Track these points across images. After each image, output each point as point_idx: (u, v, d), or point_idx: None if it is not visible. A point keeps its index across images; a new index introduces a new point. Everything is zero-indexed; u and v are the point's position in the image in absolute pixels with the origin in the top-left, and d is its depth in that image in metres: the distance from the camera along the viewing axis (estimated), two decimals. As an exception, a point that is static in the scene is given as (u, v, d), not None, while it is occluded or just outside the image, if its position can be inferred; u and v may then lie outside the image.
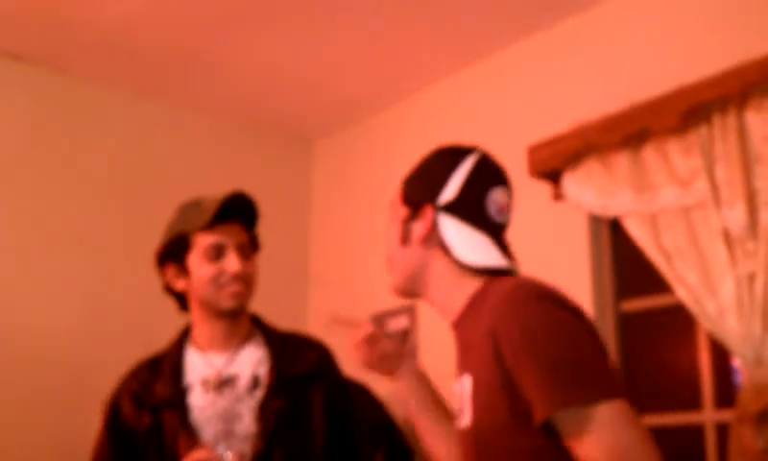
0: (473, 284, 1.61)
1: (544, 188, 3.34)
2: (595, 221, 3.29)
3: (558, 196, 3.29)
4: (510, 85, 3.71)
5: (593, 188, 3.14)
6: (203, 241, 2.17)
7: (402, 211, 1.69)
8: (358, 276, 4.23)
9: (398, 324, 3.95)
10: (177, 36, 3.66)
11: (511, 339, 1.41)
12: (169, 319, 3.97)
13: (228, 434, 2.08)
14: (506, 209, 1.67)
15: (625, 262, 3.28)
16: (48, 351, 3.63)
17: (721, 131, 2.81)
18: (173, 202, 4.04)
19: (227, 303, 2.16)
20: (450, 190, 1.62)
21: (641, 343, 3.25)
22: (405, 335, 3.89)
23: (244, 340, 2.22)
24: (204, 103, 4.26)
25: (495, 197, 1.65)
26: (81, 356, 3.71)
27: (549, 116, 3.37)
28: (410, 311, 3.88)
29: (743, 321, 2.67)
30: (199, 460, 1.94)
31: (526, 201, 3.51)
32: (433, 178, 1.66)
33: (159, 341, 3.98)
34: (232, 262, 2.14)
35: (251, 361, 2.19)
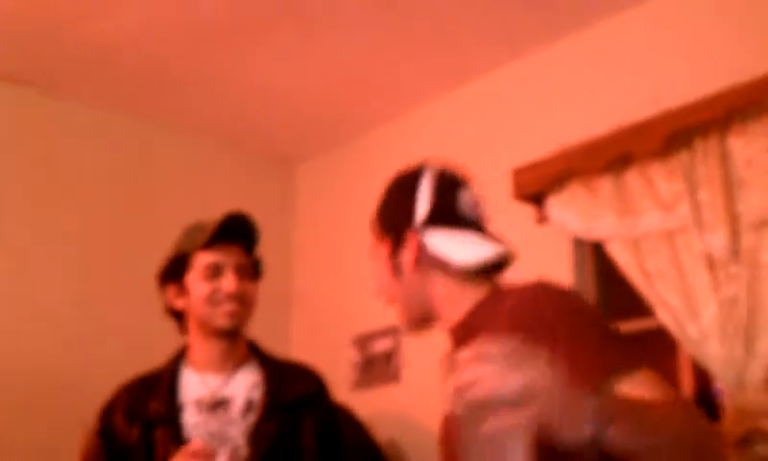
0: (476, 291, 1.60)
1: (528, 211, 3.34)
2: (579, 244, 3.30)
3: (542, 219, 3.30)
4: (494, 109, 3.73)
5: (577, 212, 3.15)
6: (201, 260, 2.19)
7: (384, 248, 1.68)
8: (342, 298, 4.22)
9: (382, 345, 3.94)
10: (161, 57, 3.66)
11: (547, 325, 1.41)
12: (154, 332, 3.96)
13: (218, 452, 2.06)
14: (479, 203, 1.68)
15: (608, 285, 3.29)
16: (33, 363, 3.61)
17: (703, 155, 2.83)
18: (158, 221, 4.08)
19: (222, 321, 2.17)
20: (422, 207, 1.62)
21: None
22: (388, 357, 3.89)
23: (240, 363, 2.23)
24: (189, 124, 4.26)
25: (464, 198, 1.66)
26: (66, 368, 3.69)
27: (533, 140, 3.39)
28: (393, 333, 3.87)
29: (725, 344, 2.68)
30: (193, 451, 1.93)
31: (510, 224, 3.51)
32: (401, 204, 1.66)
33: (145, 353, 3.96)
34: (228, 281, 2.16)
35: (245, 385, 2.19)
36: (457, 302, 1.61)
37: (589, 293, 3.29)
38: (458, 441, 1.14)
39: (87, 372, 3.69)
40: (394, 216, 1.68)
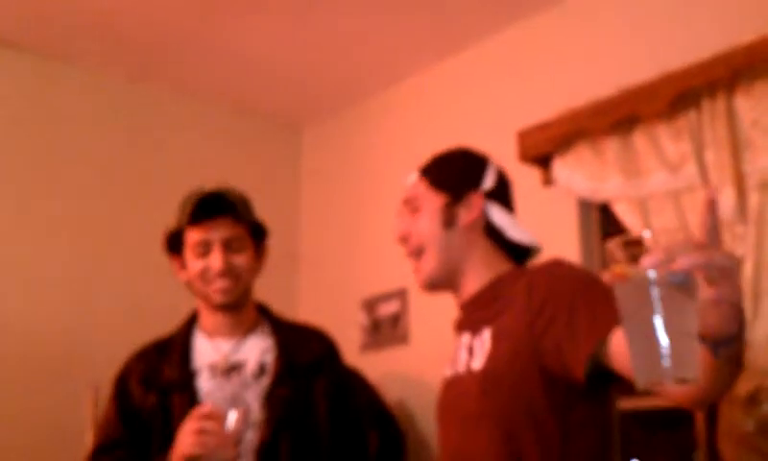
0: (502, 266, 1.77)
1: (534, 173, 3.34)
2: (585, 206, 3.30)
3: (548, 181, 3.30)
4: (500, 71, 3.72)
5: (583, 173, 3.15)
6: (191, 238, 2.21)
7: (438, 198, 1.79)
8: (349, 261, 4.24)
9: (389, 308, 3.96)
10: (166, 21, 3.64)
11: (558, 292, 1.55)
12: (157, 306, 4.00)
13: (246, 410, 2.08)
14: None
15: (615, 246, 3.29)
16: (35, 339, 3.63)
17: (710, 115, 2.82)
18: (162, 188, 4.08)
19: (216, 297, 2.20)
20: (490, 180, 1.80)
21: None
22: (396, 320, 3.90)
23: (250, 328, 2.26)
24: (194, 89, 4.26)
25: (513, 194, 1.87)
26: (68, 344, 3.71)
27: (539, 101, 3.38)
28: (401, 295, 3.88)
29: (732, 304, 2.68)
30: (203, 414, 1.94)
31: (516, 186, 3.52)
32: (470, 170, 1.82)
33: (147, 328, 3.99)
34: (215, 259, 2.17)
35: (257, 349, 2.22)
36: (489, 269, 1.75)
37: (595, 254, 3.30)
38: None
39: (86, 339, 3.74)
40: (460, 176, 1.82)
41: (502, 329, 1.64)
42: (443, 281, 1.82)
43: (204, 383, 2.16)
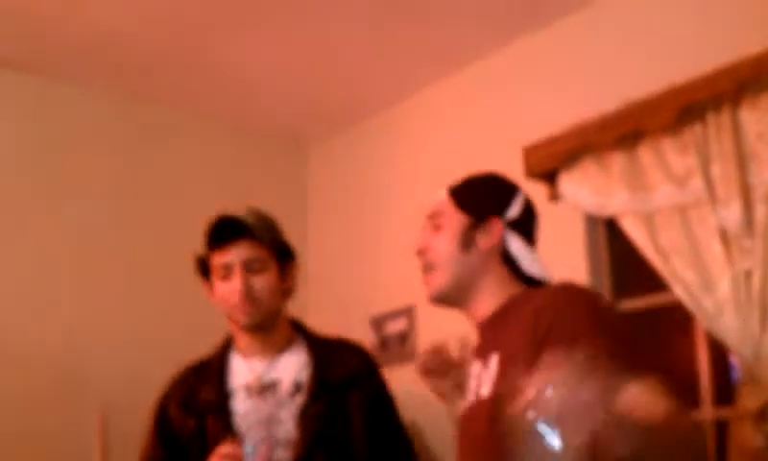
0: (515, 290, 1.79)
1: (540, 189, 3.33)
2: (592, 221, 3.30)
3: (554, 196, 3.29)
4: (505, 87, 3.72)
5: (589, 188, 3.14)
6: (214, 261, 2.23)
7: (461, 219, 1.81)
8: (356, 279, 4.23)
9: (397, 326, 3.95)
10: (170, 39, 3.65)
11: (563, 319, 1.55)
12: (165, 327, 4.00)
13: (268, 437, 2.11)
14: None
15: (622, 261, 3.28)
16: (40, 356, 3.62)
17: (715, 129, 2.82)
18: (166, 207, 4.09)
19: (241, 319, 2.22)
20: (515, 209, 1.81)
21: (639, 342, 3.25)
22: (403, 338, 3.90)
23: (284, 347, 2.27)
24: (200, 107, 4.26)
25: (537, 228, 1.87)
26: (75, 368, 3.70)
27: (544, 117, 3.38)
28: (408, 313, 3.88)
29: (741, 318, 2.68)
30: (223, 455, 1.96)
31: (523, 201, 3.53)
32: (496, 196, 1.83)
33: (155, 350, 4.00)
34: (235, 282, 2.19)
35: (292, 367, 2.23)
36: (497, 295, 1.78)
37: (603, 270, 3.29)
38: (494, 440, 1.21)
39: (94, 362, 3.73)
40: (485, 201, 1.83)
41: (509, 354, 1.64)
42: (450, 298, 1.83)
43: (240, 404, 2.18)
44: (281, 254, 2.29)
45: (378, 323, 3.99)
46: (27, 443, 3.51)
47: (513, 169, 3.36)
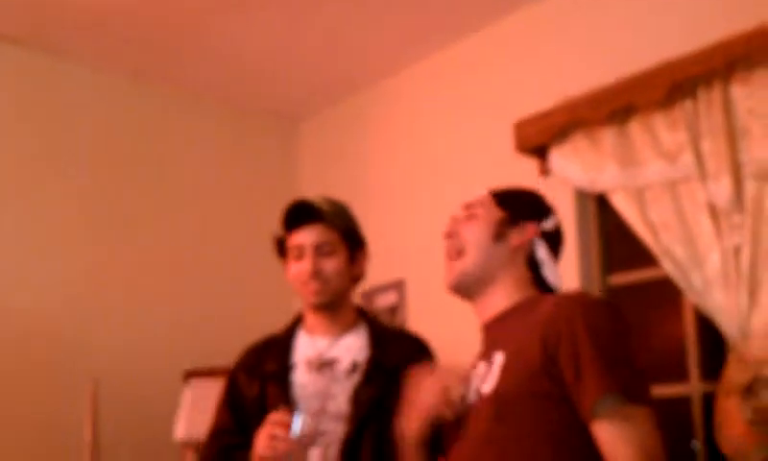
0: (527, 293, 1.84)
1: (531, 164, 3.34)
2: (582, 196, 3.30)
3: (544, 171, 3.30)
4: (496, 61, 3.71)
5: (580, 163, 3.15)
6: (289, 243, 2.36)
7: (498, 213, 1.87)
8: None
9: (387, 299, 3.96)
10: (163, 19, 3.65)
11: (574, 330, 1.61)
12: (159, 300, 4.01)
13: (321, 412, 2.22)
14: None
15: (611, 236, 3.30)
16: (34, 324, 3.65)
17: (706, 105, 2.82)
18: (161, 183, 4.10)
19: (309, 298, 2.33)
20: (550, 223, 1.90)
21: (628, 316, 3.26)
22: (393, 311, 3.91)
23: (347, 328, 2.37)
24: (191, 85, 4.26)
25: (563, 248, 1.94)
26: (68, 337, 3.72)
27: (536, 92, 3.38)
28: (398, 287, 3.89)
29: (729, 293, 2.69)
30: (273, 421, 2.07)
31: (513, 176, 3.51)
32: (539, 206, 1.92)
33: (144, 316, 4.01)
34: (305, 263, 2.31)
35: (352, 347, 2.33)
36: (518, 291, 1.83)
37: (592, 244, 3.30)
38: None
39: (87, 332, 3.77)
40: (524, 205, 1.92)
41: (517, 353, 1.68)
42: (469, 287, 1.86)
43: (300, 377, 2.30)
44: (352, 241, 2.40)
45: (369, 296, 3.99)
46: (19, 409, 3.53)
47: (503, 144, 3.37)
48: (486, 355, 1.78)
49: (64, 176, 3.87)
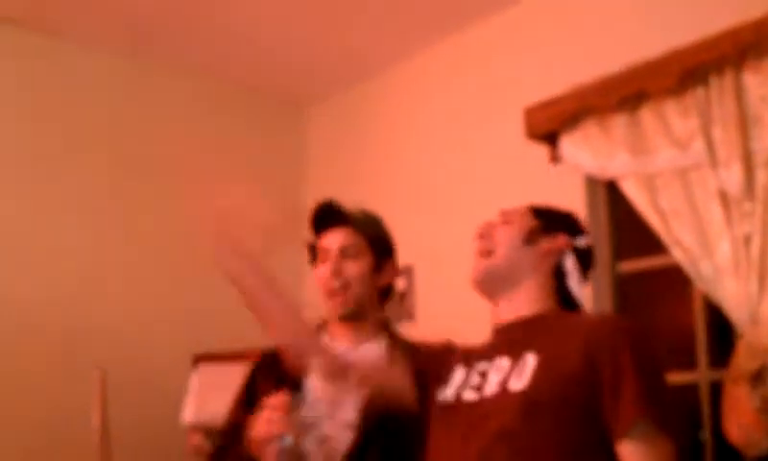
0: (547, 304, 1.88)
1: (541, 151, 3.33)
2: (592, 183, 3.29)
3: (555, 158, 3.29)
4: (507, 48, 3.70)
5: (590, 150, 3.14)
6: (319, 246, 2.37)
7: (533, 221, 1.93)
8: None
9: (396, 285, 3.95)
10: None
11: (620, 347, 1.65)
12: (165, 287, 4.01)
13: (329, 417, 2.20)
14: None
15: (622, 224, 3.29)
16: (41, 314, 3.65)
17: (718, 92, 2.81)
18: (166, 167, 4.09)
19: (334, 312, 2.33)
20: (583, 241, 1.95)
21: (638, 304, 3.27)
22: (402, 297, 3.91)
23: (368, 338, 2.35)
24: (199, 67, 4.25)
25: (591, 270, 2.00)
26: (76, 325, 3.73)
27: (546, 78, 3.37)
28: (407, 273, 3.88)
29: (739, 281, 2.68)
30: (270, 404, 2.06)
31: (523, 163, 3.52)
32: (574, 223, 1.97)
33: (150, 306, 4.01)
34: (328, 265, 2.31)
35: (368, 356, 2.30)
36: (540, 296, 1.88)
37: (602, 231, 3.29)
38: None
39: (94, 320, 3.77)
40: (559, 219, 1.97)
41: (554, 359, 1.70)
42: (494, 284, 1.89)
43: (313, 381, 2.25)
44: (379, 249, 2.37)
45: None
46: (27, 397, 3.54)
47: (513, 131, 3.36)
48: (507, 352, 1.79)
49: (66, 157, 3.86)
